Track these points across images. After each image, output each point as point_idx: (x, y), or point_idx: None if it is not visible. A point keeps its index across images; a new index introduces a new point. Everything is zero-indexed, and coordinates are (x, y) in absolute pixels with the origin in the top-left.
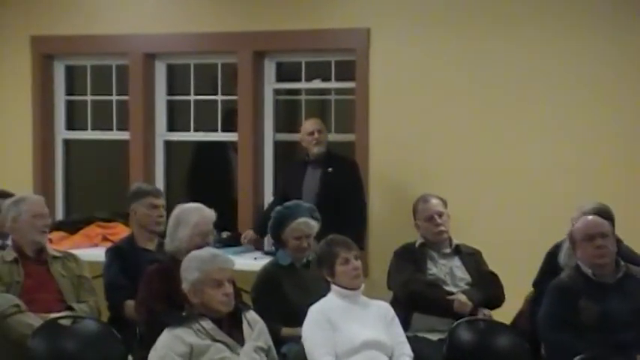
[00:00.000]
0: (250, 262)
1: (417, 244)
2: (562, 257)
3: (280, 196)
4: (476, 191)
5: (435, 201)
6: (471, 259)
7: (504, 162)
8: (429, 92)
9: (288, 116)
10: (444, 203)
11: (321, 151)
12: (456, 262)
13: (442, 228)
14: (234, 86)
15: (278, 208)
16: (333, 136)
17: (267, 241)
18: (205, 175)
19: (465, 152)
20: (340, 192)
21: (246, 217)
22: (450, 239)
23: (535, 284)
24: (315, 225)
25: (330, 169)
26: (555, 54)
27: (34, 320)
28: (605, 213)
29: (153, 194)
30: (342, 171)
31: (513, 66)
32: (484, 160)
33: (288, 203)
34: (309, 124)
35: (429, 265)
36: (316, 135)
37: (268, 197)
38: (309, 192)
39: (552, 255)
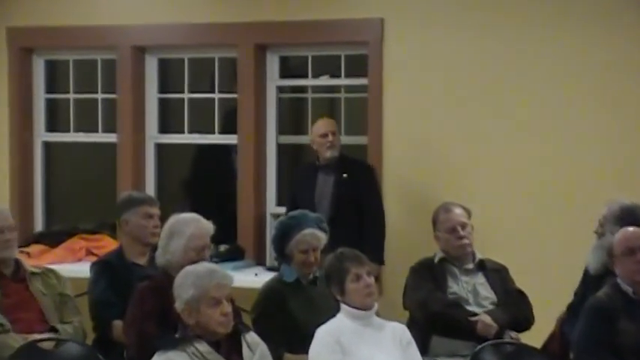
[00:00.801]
0: (251, 279)
1: (436, 259)
2: (588, 257)
3: (291, 205)
4: (503, 200)
5: (457, 210)
6: (497, 275)
7: (536, 167)
8: (450, 89)
9: (293, 116)
10: (468, 213)
11: (334, 155)
12: (480, 279)
13: (465, 241)
14: (233, 83)
15: (281, 218)
16: (343, 139)
17: (270, 256)
18: (204, 181)
19: (491, 156)
20: (357, 200)
21: (247, 228)
22: (474, 253)
23: (575, 294)
24: (323, 237)
25: (345, 175)
26: (592, 51)
27: (18, 343)
28: (636, 213)
29: (148, 202)
30: (357, 176)
31: (546, 60)
32: (513, 166)
33: (293, 213)
34: (321, 125)
35: (450, 282)
36: (330, 137)
37: (271, 207)
38: (323, 200)
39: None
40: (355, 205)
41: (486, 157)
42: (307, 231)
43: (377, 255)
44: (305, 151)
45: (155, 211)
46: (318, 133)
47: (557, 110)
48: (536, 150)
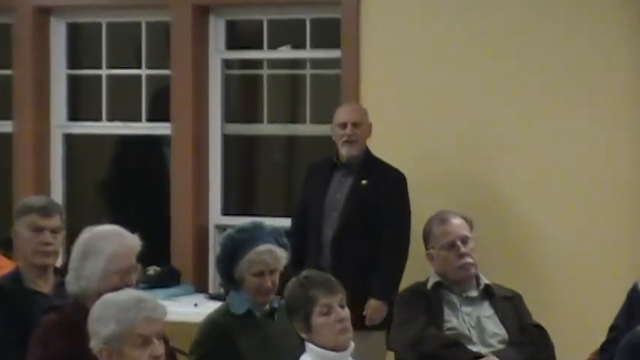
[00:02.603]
0: (189, 311)
1: (429, 285)
2: None
3: (298, 214)
4: (517, 205)
5: (456, 221)
6: (508, 305)
7: (555, 160)
8: (446, 62)
9: (244, 99)
10: (469, 224)
11: (352, 153)
12: (486, 311)
13: (468, 260)
14: (165, 56)
15: (229, 232)
16: (309, 128)
17: (214, 280)
18: (127, 184)
19: (497, 148)
20: (375, 215)
21: (184, 244)
22: (478, 277)
23: (611, 329)
24: (282, 255)
25: (364, 181)
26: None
27: None
28: None
29: (37, 211)
30: (381, 185)
31: (562, 30)
32: (527, 159)
33: (244, 224)
34: (341, 113)
35: (447, 314)
36: (348, 129)
37: (215, 216)
38: (331, 209)
39: (636, 291)
40: (371, 221)
41: (496, 150)
42: (262, 247)
43: (385, 290)
44: (260, 144)
45: (47, 222)
46: (336, 121)
47: (586, 90)
48: (564, 143)
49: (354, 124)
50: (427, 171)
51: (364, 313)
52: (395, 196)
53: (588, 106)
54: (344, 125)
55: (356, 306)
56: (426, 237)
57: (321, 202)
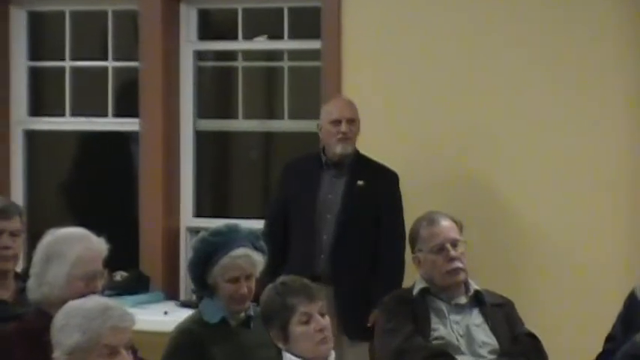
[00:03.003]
0: (159, 319)
1: (415, 291)
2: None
3: (274, 217)
4: (511, 207)
5: (445, 222)
6: (499, 313)
7: (552, 160)
8: (432, 56)
9: (217, 93)
10: (459, 226)
11: (346, 151)
12: (476, 319)
13: (457, 264)
14: (133, 47)
15: (202, 235)
16: (287, 124)
17: (186, 287)
18: (92, 183)
19: (489, 145)
20: (372, 217)
21: (153, 248)
22: (467, 283)
23: (607, 339)
24: (259, 260)
25: (360, 182)
26: None
27: None
28: None
29: None
30: (376, 186)
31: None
32: (522, 158)
33: (218, 227)
34: (334, 108)
35: (435, 322)
36: (344, 126)
37: (187, 218)
38: (325, 212)
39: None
40: (369, 225)
41: (488, 146)
42: (238, 252)
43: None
44: (235, 141)
45: (5, 225)
46: (329, 118)
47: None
48: (561, 143)
49: (350, 121)
50: (414, 170)
51: (369, 324)
52: (392, 197)
53: (586, 105)
54: (338, 122)
55: (353, 312)
56: (413, 239)
57: (313, 204)
